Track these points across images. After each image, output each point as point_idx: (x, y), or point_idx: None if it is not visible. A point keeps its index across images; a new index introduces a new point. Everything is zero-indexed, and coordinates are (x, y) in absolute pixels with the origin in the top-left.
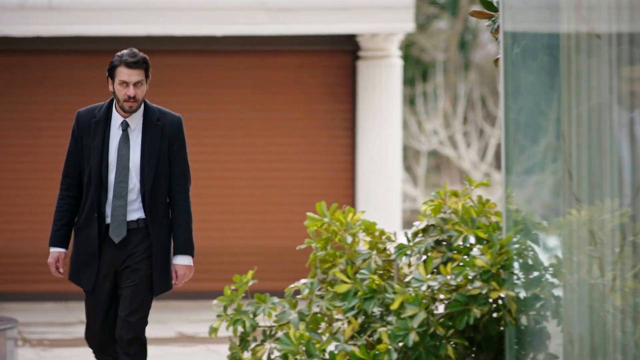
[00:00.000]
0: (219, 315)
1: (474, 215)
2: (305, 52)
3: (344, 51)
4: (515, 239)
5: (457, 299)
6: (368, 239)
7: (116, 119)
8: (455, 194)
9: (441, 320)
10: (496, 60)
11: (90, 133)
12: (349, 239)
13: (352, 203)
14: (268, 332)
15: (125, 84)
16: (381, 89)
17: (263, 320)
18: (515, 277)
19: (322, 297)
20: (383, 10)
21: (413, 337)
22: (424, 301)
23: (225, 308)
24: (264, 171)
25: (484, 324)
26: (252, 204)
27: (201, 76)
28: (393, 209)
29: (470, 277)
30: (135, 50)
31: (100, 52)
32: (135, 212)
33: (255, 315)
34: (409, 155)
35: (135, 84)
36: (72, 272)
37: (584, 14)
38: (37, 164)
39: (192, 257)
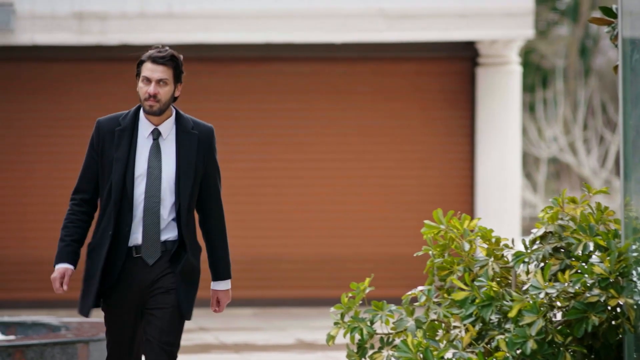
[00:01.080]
0: (336, 323)
1: (593, 222)
2: (424, 59)
3: (462, 58)
4: (634, 247)
5: (576, 307)
6: (485, 246)
7: (145, 127)
8: (573, 201)
9: (559, 327)
10: (616, 67)
11: (113, 143)
12: (466, 246)
13: (470, 210)
14: (385, 340)
15: (147, 80)
16: (500, 96)
17: (380, 328)
18: (634, 284)
19: (439, 304)
20: (503, 17)
21: (531, 345)
22: (542, 309)
23: (342, 315)
24: (382, 178)
25: (602, 332)
26: (369, 211)
27: (319, 83)
28: (512, 216)
29: (588, 285)
30: (166, 47)
31: (220, 59)
32: (169, 231)
33: (372, 322)
34: (529, 162)
35: (158, 82)
36: (85, 301)
37: None
38: None
39: (230, 277)
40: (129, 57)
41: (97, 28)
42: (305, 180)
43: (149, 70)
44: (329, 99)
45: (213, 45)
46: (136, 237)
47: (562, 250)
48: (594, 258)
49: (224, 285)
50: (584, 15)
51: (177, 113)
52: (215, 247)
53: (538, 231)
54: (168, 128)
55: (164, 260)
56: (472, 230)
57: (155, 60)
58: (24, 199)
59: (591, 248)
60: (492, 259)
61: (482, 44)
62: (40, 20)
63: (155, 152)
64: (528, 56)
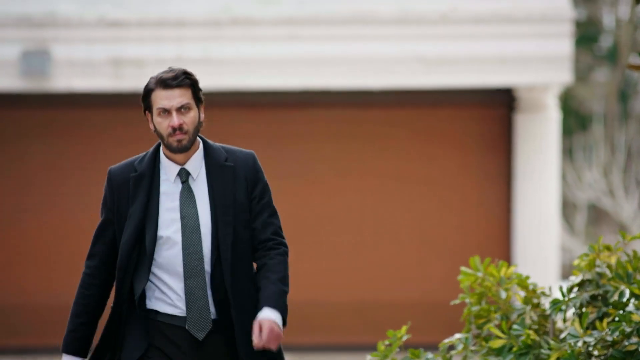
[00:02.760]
0: None
1: (630, 270)
2: (461, 105)
3: (500, 103)
4: None
5: (614, 355)
6: (522, 293)
7: (168, 169)
8: (608, 248)
9: None
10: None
11: (129, 194)
12: (503, 294)
13: (508, 256)
14: None
15: (165, 112)
16: (538, 141)
17: None
18: None
19: (476, 352)
20: (541, 62)
21: None
22: (580, 357)
23: None
24: (419, 223)
25: None
26: (405, 256)
27: (356, 129)
28: (550, 263)
29: (626, 333)
30: (171, 66)
31: (257, 105)
32: (215, 290)
33: None
34: (568, 207)
35: (180, 110)
36: None
37: None
38: None
39: (284, 319)
40: None
41: (134, 74)
42: (342, 225)
43: (164, 98)
44: (366, 144)
45: (250, 91)
46: (177, 305)
47: (600, 298)
48: (632, 306)
49: (271, 313)
50: (623, 60)
51: (205, 143)
52: (268, 279)
53: (575, 278)
54: (197, 165)
55: (218, 336)
56: (508, 278)
57: (167, 84)
58: (59, 246)
59: (627, 295)
60: (529, 306)
61: (520, 89)
62: (77, 67)
63: (188, 196)
64: (567, 101)
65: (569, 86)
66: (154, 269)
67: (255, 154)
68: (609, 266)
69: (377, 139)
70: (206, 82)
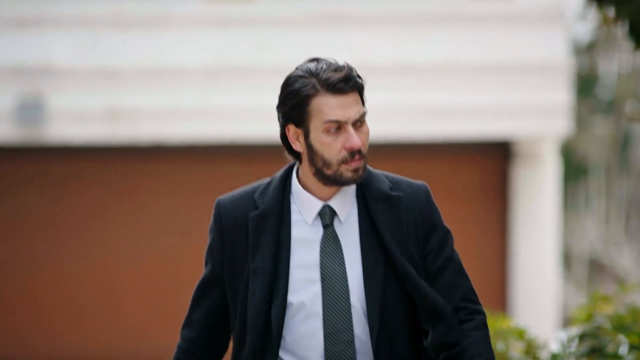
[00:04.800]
0: None
1: (626, 322)
2: (459, 156)
3: (498, 154)
4: None
5: None
6: (520, 345)
7: (305, 205)
8: (606, 300)
9: None
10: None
11: (247, 240)
12: (501, 346)
13: (505, 307)
14: None
15: (337, 126)
16: (537, 192)
17: None
18: None
19: None
20: (539, 113)
21: None
22: None
23: None
24: None
25: None
26: None
27: None
28: (549, 313)
29: None
30: (332, 59)
31: (257, 155)
32: None
33: None
34: (568, 258)
35: (356, 125)
36: None
37: None
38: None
39: None
40: (162, 149)
41: (130, 124)
42: None
43: (337, 107)
44: None
45: (249, 141)
46: None
47: (599, 350)
48: (630, 358)
49: None
50: (623, 109)
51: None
52: None
53: (574, 330)
54: (347, 201)
55: None
56: (507, 330)
57: (339, 88)
58: (56, 297)
59: (625, 347)
60: (527, 359)
61: (518, 140)
62: (71, 117)
63: (333, 248)
64: (566, 151)
65: (568, 137)
66: (281, 354)
67: (429, 188)
68: (607, 317)
69: None
70: (204, 133)
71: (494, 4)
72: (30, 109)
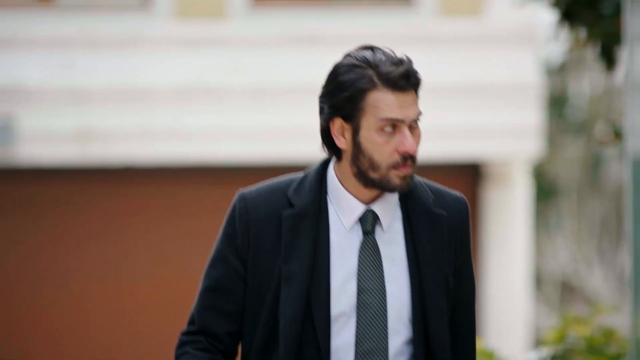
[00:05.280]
0: None
1: (598, 343)
2: (427, 178)
3: (467, 176)
4: None
5: None
6: None
7: (344, 207)
8: (579, 321)
9: None
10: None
11: (279, 241)
12: None
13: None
14: None
15: (393, 126)
16: (507, 214)
17: None
18: None
19: None
20: (510, 135)
21: None
22: None
23: None
24: None
25: None
26: None
27: None
28: (520, 334)
29: None
30: (388, 48)
31: (226, 177)
32: None
33: None
34: (539, 279)
35: (411, 126)
36: None
37: None
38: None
39: None
40: (133, 171)
41: (101, 146)
42: None
43: (395, 105)
44: None
45: (221, 163)
46: None
47: None
48: None
49: None
50: (594, 131)
51: None
52: None
53: (544, 351)
54: (391, 208)
55: None
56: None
57: (399, 85)
58: (30, 320)
59: None
60: None
61: (489, 161)
62: (41, 139)
63: (372, 258)
64: (538, 172)
65: (539, 158)
66: None
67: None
68: (580, 338)
69: None
70: (175, 154)
71: (464, 25)
72: (1, 130)
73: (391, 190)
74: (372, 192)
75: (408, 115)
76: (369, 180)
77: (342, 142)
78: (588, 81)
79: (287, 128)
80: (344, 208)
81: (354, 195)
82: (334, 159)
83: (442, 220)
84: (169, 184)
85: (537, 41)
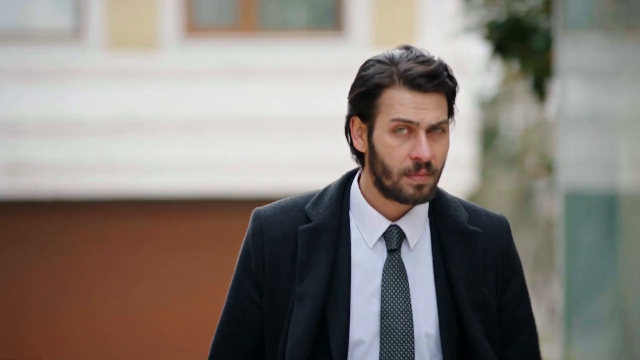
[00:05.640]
0: None
1: None
2: None
3: None
4: None
5: None
6: None
7: (367, 222)
8: None
9: None
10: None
11: (294, 259)
12: None
13: None
14: None
15: (407, 128)
16: None
17: None
18: None
19: None
20: (447, 163)
21: None
22: None
23: None
24: None
25: None
26: None
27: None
28: None
29: None
30: (426, 50)
31: (158, 210)
32: None
33: None
34: None
35: (433, 131)
36: None
37: None
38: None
39: None
40: (64, 203)
41: (31, 179)
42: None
43: (411, 105)
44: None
45: (152, 196)
46: None
47: None
48: None
49: None
50: (526, 166)
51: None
52: None
53: None
54: (418, 224)
55: None
56: None
57: (419, 84)
58: None
59: None
60: None
61: None
62: None
63: (398, 278)
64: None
65: (472, 190)
66: None
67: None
68: None
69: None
70: (106, 187)
71: None
72: None
73: (404, 200)
74: (397, 206)
75: (425, 118)
76: (384, 188)
77: (360, 144)
78: (520, 114)
79: (220, 160)
80: (366, 224)
81: (378, 210)
82: (359, 172)
83: (477, 238)
84: (99, 216)
85: (469, 74)
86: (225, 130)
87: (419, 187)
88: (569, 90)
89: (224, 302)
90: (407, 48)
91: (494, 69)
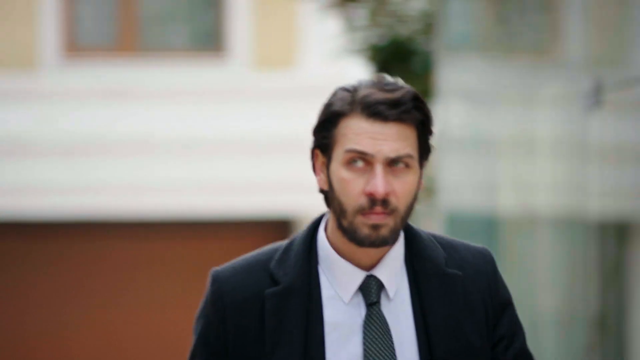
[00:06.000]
0: None
1: None
2: (238, 234)
3: (280, 232)
4: None
5: None
6: None
7: (340, 275)
8: None
9: None
10: None
11: (262, 326)
12: None
13: None
14: None
15: (363, 160)
16: None
17: None
18: None
19: None
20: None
21: None
22: None
23: None
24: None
25: None
26: None
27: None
28: None
29: None
30: (390, 78)
31: (35, 233)
32: None
33: None
34: None
35: (392, 165)
36: None
37: (522, 194)
38: None
39: None
40: None
41: None
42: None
43: (367, 135)
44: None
45: (29, 217)
46: None
47: None
48: None
49: None
50: None
51: (408, 231)
52: None
53: None
54: (395, 271)
55: None
56: None
57: (379, 112)
58: None
59: None
60: None
61: (301, 217)
62: None
63: (380, 336)
64: None
65: None
66: None
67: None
68: None
69: (153, 269)
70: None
71: (278, 80)
72: None
73: (360, 243)
74: (369, 251)
75: (381, 150)
76: (343, 230)
77: (322, 180)
78: None
79: (98, 182)
80: (338, 277)
81: (349, 259)
82: (325, 218)
83: (456, 282)
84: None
85: None
86: (105, 151)
87: (375, 227)
88: (449, 113)
89: None
90: (383, 75)
91: None
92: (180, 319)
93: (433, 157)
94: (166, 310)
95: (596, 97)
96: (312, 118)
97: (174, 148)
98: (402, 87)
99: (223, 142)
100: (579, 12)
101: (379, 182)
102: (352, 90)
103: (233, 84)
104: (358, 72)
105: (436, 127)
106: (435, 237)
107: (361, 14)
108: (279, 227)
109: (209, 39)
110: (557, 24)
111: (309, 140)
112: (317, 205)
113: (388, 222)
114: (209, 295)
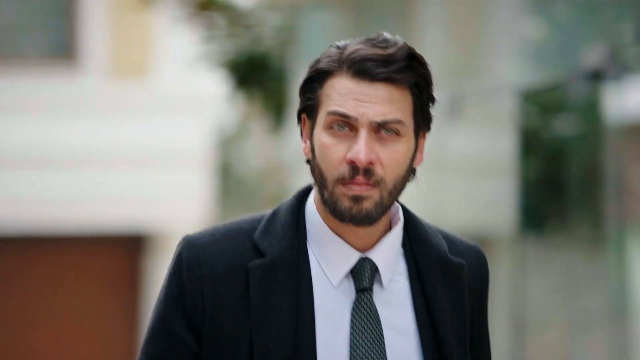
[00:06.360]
0: None
1: None
2: (89, 249)
3: (132, 246)
4: None
5: None
6: None
7: (332, 255)
8: None
9: None
10: None
11: (246, 302)
12: None
13: None
14: None
15: (347, 124)
16: None
17: None
18: None
19: None
20: (176, 203)
21: None
22: None
23: None
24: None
25: None
26: None
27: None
28: None
29: None
30: (388, 35)
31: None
32: None
33: None
34: None
35: (378, 130)
36: None
37: None
38: None
39: None
40: None
41: None
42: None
43: (350, 95)
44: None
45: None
46: None
47: None
48: None
49: None
50: (261, 202)
51: (408, 216)
52: None
53: None
54: (392, 256)
55: None
56: None
57: (366, 70)
58: None
59: None
60: None
61: (153, 231)
62: None
63: (370, 326)
64: None
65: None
66: None
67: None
68: None
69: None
70: None
71: (133, 90)
72: None
73: (340, 217)
74: (355, 232)
75: (366, 113)
76: (325, 202)
77: (306, 148)
78: (258, 150)
79: None
80: (330, 257)
81: (342, 236)
82: (314, 190)
83: (461, 271)
84: None
85: (207, 110)
86: None
87: (356, 199)
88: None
89: (143, 345)
90: (380, 34)
91: (234, 105)
92: (93, 332)
93: (287, 172)
94: (81, 324)
95: (453, 109)
96: (162, 131)
97: (29, 160)
98: (396, 44)
99: (74, 152)
100: (436, 24)
101: (361, 149)
102: (342, 47)
103: (86, 93)
104: (214, 84)
105: (289, 144)
106: (436, 227)
107: (217, 24)
108: (132, 242)
109: (62, 47)
110: (416, 35)
111: (156, 152)
112: (172, 219)
113: (372, 195)
114: (185, 262)
